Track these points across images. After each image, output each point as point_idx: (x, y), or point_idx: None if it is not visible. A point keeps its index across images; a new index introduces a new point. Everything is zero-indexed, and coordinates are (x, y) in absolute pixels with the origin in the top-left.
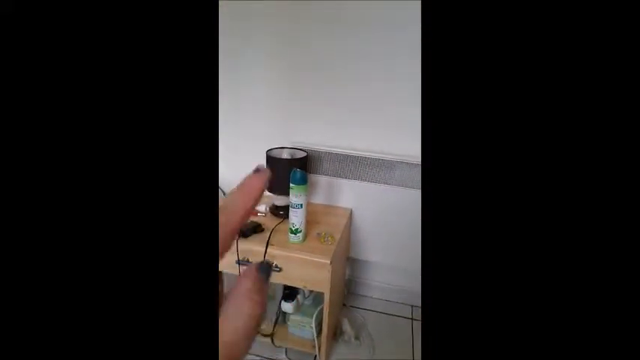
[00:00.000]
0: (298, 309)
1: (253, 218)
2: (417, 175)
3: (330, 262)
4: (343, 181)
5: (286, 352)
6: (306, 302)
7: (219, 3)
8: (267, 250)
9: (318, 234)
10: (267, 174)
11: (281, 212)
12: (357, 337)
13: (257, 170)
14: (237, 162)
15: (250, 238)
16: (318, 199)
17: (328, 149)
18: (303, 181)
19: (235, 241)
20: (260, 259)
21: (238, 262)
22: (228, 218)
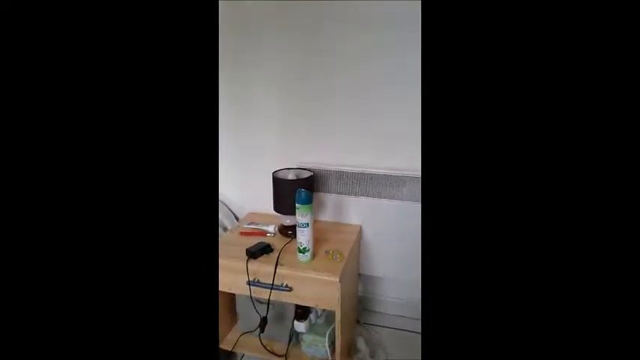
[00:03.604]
0: (311, 328)
1: (262, 239)
2: None
3: (339, 280)
4: (351, 198)
5: None
6: (319, 321)
7: (233, 29)
8: (277, 270)
9: (327, 252)
10: None
11: (289, 232)
12: (372, 356)
13: None
14: (246, 184)
15: (260, 258)
16: (327, 216)
17: (335, 168)
18: (308, 201)
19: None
20: (270, 279)
21: (249, 283)
22: None
